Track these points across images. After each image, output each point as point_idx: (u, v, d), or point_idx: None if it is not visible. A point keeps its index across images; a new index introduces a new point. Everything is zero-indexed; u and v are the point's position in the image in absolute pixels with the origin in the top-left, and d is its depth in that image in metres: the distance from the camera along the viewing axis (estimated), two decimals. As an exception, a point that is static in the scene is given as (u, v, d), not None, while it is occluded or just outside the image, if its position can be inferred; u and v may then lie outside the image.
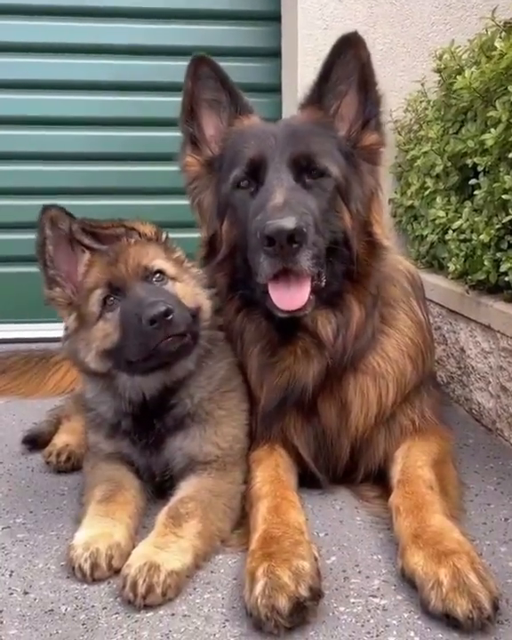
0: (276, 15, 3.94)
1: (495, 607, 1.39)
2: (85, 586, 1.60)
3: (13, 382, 3.08)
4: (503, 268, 2.24)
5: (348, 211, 1.95)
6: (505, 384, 2.33)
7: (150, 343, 1.69)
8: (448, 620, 1.40)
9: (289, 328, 1.94)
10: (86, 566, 1.59)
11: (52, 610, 1.52)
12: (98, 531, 1.66)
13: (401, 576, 1.57)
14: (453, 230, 2.58)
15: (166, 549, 1.56)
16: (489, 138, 2.23)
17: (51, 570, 1.68)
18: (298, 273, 1.77)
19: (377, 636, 1.41)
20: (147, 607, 1.49)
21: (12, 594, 1.58)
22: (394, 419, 2.05)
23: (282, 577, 1.42)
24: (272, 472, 1.91)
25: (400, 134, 3.41)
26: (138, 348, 1.71)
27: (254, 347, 2.01)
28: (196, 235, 2.18)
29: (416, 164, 3.07)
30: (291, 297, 1.80)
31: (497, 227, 2.26)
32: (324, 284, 1.90)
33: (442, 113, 2.92)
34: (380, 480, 2.02)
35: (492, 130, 2.23)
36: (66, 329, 1.87)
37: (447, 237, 2.62)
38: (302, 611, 1.41)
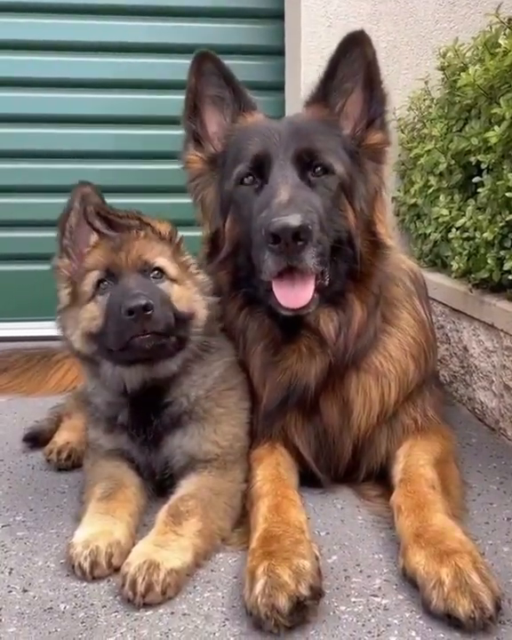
0: (279, 13, 3.93)
1: (497, 607, 1.38)
2: (85, 584, 1.59)
3: (15, 380, 3.07)
4: (506, 266, 2.23)
5: (352, 209, 1.94)
6: (508, 383, 2.32)
7: (125, 334, 1.69)
8: (450, 619, 1.39)
9: (291, 326, 1.93)
10: (86, 564, 1.58)
11: (51, 608, 1.51)
12: (98, 529, 1.66)
13: (402, 575, 1.57)
14: (457, 228, 2.57)
15: (166, 548, 1.56)
16: (493, 135, 2.22)
17: (50, 568, 1.68)
18: (302, 271, 1.77)
19: (378, 635, 1.40)
20: (146, 605, 1.48)
21: (11, 591, 1.58)
22: (396, 418, 2.04)
23: (282, 576, 1.41)
24: (273, 471, 1.90)
25: (403, 132, 3.40)
26: (115, 337, 1.71)
27: (257, 345, 2.00)
28: (197, 233, 2.17)
29: (419, 163, 3.06)
30: (295, 295, 1.79)
31: (500, 225, 2.25)
32: (327, 282, 1.90)
33: (445, 111, 2.91)
34: (382, 479, 2.01)
35: (496, 127, 2.21)
36: (59, 302, 1.91)
37: (450, 236, 2.61)
38: (302, 610, 1.40)
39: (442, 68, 3.02)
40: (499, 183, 2.21)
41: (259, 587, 1.40)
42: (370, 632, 1.41)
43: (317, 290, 1.84)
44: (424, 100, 3.28)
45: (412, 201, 3.23)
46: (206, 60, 2.06)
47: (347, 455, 2.01)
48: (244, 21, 3.99)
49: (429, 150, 2.90)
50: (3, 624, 1.45)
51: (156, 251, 1.85)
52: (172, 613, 1.48)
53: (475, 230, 2.43)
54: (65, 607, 1.51)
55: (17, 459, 2.36)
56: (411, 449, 1.96)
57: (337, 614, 1.47)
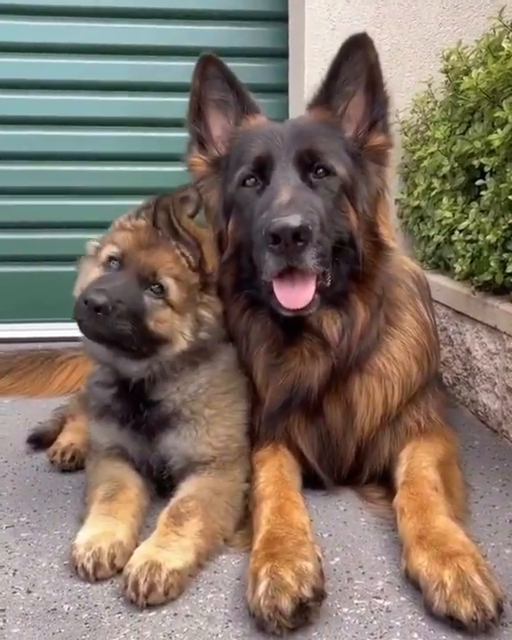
0: (283, 16, 3.94)
1: (499, 609, 1.38)
2: (88, 585, 1.60)
3: (19, 382, 3.08)
4: (510, 268, 2.23)
5: (354, 211, 1.94)
6: (511, 385, 2.32)
7: (76, 313, 1.71)
8: (452, 621, 1.39)
9: (294, 328, 1.94)
10: (89, 566, 1.59)
11: (54, 609, 1.52)
12: (100, 530, 1.66)
13: (405, 577, 1.57)
14: (460, 231, 2.57)
15: (168, 548, 1.56)
16: (496, 138, 2.22)
17: (54, 569, 1.68)
18: (303, 271, 1.77)
19: (380, 637, 1.40)
20: (149, 606, 1.49)
21: (15, 592, 1.58)
22: (399, 420, 2.04)
23: (285, 577, 1.41)
24: (276, 472, 1.91)
25: (407, 135, 3.40)
26: (73, 311, 1.73)
27: (260, 347, 2.00)
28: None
29: (423, 165, 3.07)
30: (295, 296, 1.79)
31: (503, 227, 2.25)
32: (329, 283, 1.90)
33: (449, 113, 2.92)
34: (385, 481, 2.02)
35: (499, 130, 2.22)
36: (87, 250, 1.96)
37: (453, 238, 2.61)
38: (305, 611, 1.40)
39: (445, 71, 3.03)
40: (502, 186, 2.21)
41: (261, 588, 1.41)
42: (372, 634, 1.41)
43: (319, 291, 1.85)
44: (427, 102, 3.28)
45: (416, 203, 3.23)
46: (210, 63, 2.07)
47: (350, 457, 2.02)
48: (248, 24, 4.00)
49: (432, 153, 2.90)
50: (7, 625, 1.46)
51: (173, 271, 1.83)
52: (176, 614, 1.48)
53: (478, 233, 2.43)
54: (69, 608, 1.52)
55: (21, 460, 2.36)
56: (414, 451, 1.97)
57: (339, 616, 1.47)
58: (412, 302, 2.13)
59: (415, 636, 1.40)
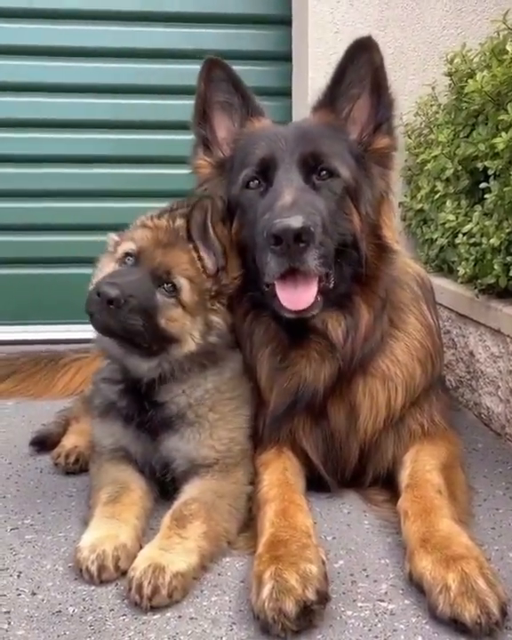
0: (286, 19, 3.94)
1: (503, 612, 1.38)
2: (93, 587, 1.60)
3: (22, 384, 3.09)
4: (513, 272, 2.23)
5: (357, 213, 1.95)
6: (514, 389, 2.32)
7: (88, 305, 1.72)
8: (456, 624, 1.39)
9: (299, 330, 1.94)
10: (93, 568, 1.59)
11: (59, 611, 1.52)
12: (104, 532, 1.67)
13: (409, 580, 1.57)
14: (463, 234, 2.57)
15: (171, 551, 1.57)
16: (500, 142, 2.22)
17: (58, 571, 1.68)
18: (305, 273, 1.78)
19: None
20: (153, 609, 1.49)
21: (19, 595, 1.59)
22: (403, 422, 2.05)
23: (289, 580, 1.42)
24: (280, 475, 1.91)
25: (410, 138, 3.41)
26: (86, 303, 1.74)
27: (264, 349, 2.01)
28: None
29: (426, 168, 3.07)
30: (297, 297, 1.80)
31: (507, 231, 2.25)
32: (332, 285, 1.90)
33: (452, 116, 2.92)
34: (389, 484, 2.02)
35: (503, 134, 2.22)
36: (107, 244, 1.99)
37: (457, 241, 2.61)
38: (309, 614, 1.40)
39: (449, 74, 3.02)
40: (505, 189, 2.21)
41: (266, 591, 1.41)
42: (376, 637, 1.41)
43: (321, 292, 1.85)
44: (431, 105, 3.29)
45: (419, 206, 3.23)
46: (215, 66, 2.09)
47: (353, 459, 2.02)
48: (252, 27, 4.01)
49: (436, 156, 2.90)
50: (12, 627, 1.46)
51: (188, 272, 1.84)
52: (180, 617, 1.49)
53: (481, 236, 2.43)
54: (73, 610, 1.52)
55: (25, 462, 2.37)
56: (417, 454, 1.97)
57: (343, 619, 1.47)
58: (415, 305, 2.13)
59: (419, 639, 1.41)
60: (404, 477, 1.90)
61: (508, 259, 2.28)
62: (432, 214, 3.08)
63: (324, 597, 1.43)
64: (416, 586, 1.54)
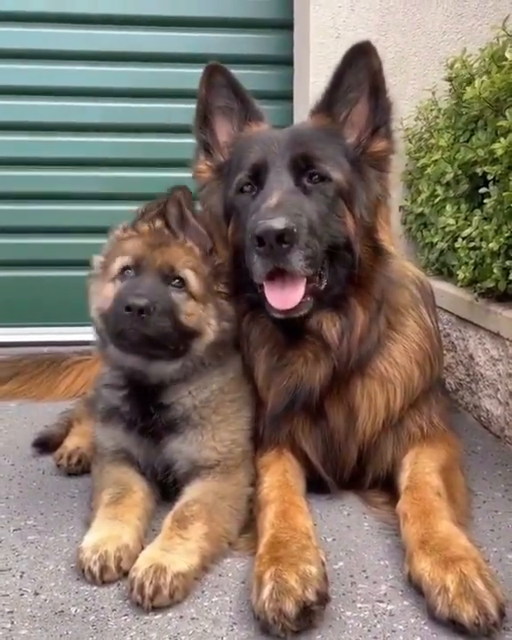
0: (288, 23, 3.96)
1: (501, 613, 1.39)
2: (95, 588, 1.61)
3: (24, 385, 3.10)
4: (512, 276, 2.25)
5: (351, 215, 1.95)
6: (513, 392, 2.33)
7: (119, 325, 1.75)
8: (454, 625, 1.40)
9: (295, 330, 1.96)
10: (95, 569, 1.60)
11: (62, 611, 1.53)
12: (106, 533, 1.68)
13: (408, 582, 1.58)
14: (463, 238, 2.58)
15: (172, 551, 1.58)
16: (499, 147, 2.23)
17: (61, 571, 1.70)
18: (291, 273, 1.80)
19: (383, 640, 1.42)
20: (155, 609, 1.50)
21: (22, 595, 1.60)
22: (402, 424, 2.06)
23: (289, 581, 1.43)
24: (280, 477, 1.92)
25: (411, 142, 3.42)
26: (112, 325, 1.78)
27: (261, 349, 2.02)
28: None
29: (426, 172, 3.08)
30: (284, 297, 1.82)
31: (506, 235, 2.27)
32: (323, 287, 1.92)
33: (452, 121, 2.93)
34: (388, 486, 2.03)
35: (502, 139, 2.23)
36: (93, 266, 1.98)
37: (457, 245, 2.62)
38: (309, 615, 1.42)
39: (449, 79, 3.04)
40: (505, 194, 2.22)
41: (266, 591, 1.42)
42: (375, 637, 1.43)
43: (312, 293, 1.88)
44: (431, 110, 3.30)
45: (419, 210, 3.24)
46: (216, 72, 2.11)
47: (352, 461, 2.03)
48: (254, 32, 4.03)
49: (436, 160, 2.91)
50: (15, 626, 1.48)
51: (188, 262, 1.88)
52: (181, 617, 1.50)
53: (481, 240, 2.45)
54: (76, 610, 1.53)
55: (27, 463, 2.39)
56: (417, 456, 1.98)
57: (343, 619, 1.49)
58: (414, 308, 2.14)
59: (418, 639, 1.42)
60: (403, 479, 1.92)
61: (508, 263, 2.30)
62: (432, 218, 3.09)
63: (323, 598, 1.44)
64: (415, 587, 1.55)
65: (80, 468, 2.25)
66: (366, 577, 1.66)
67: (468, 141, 2.71)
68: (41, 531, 1.91)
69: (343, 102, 2.03)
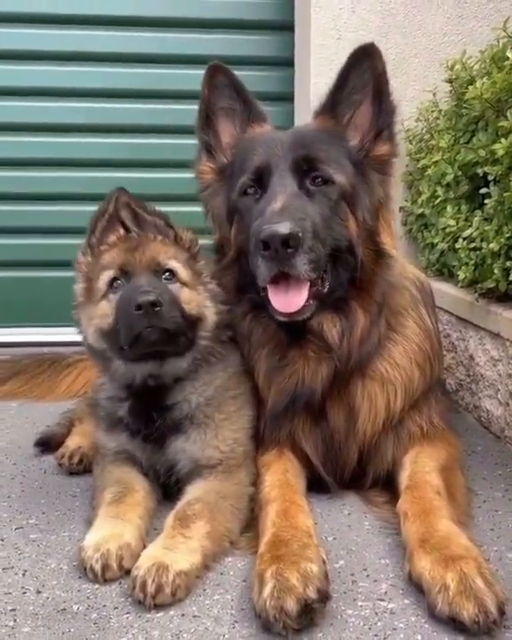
0: (289, 25, 3.97)
1: (501, 612, 1.40)
2: (97, 586, 1.62)
3: (26, 385, 3.11)
4: (513, 276, 2.25)
5: (353, 219, 1.96)
6: (513, 392, 2.34)
7: (134, 328, 1.74)
8: (454, 623, 1.41)
9: (296, 331, 1.96)
10: (97, 567, 1.61)
11: (64, 609, 1.54)
12: (108, 532, 1.69)
13: (408, 580, 1.59)
14: (463, 239, 2.59)
15: (175, 550, 1.59)
16: (499, 148, 2.24)
17: (63, 570, 1.71)
18: (295, 277, 1.80)
19: (384, 638, 1.42)
20: (157, 607, 1.51)
21: (25, 593, 1.61)
22: (402, 425, 2.07)
23: (290, 579, 1.44)
24: (281, 476, 1.93)
25: (411, 143, 3.43)
26: (125, 332, 1.77)
27: (262, 349, 2.03)
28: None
29: (427, 173, 3.09)
30: (288, 301, 1.83)
31: (507, 236, 2.27)
32: (326, 289, 1.93)
33: (453, 122, 2.94)
34: (389, 485, 2.04)
35: (503, 140, 2.24)
36: (74, 297, 1.96)
37: (457, 246, 2.63)
38: (310, 613, 1.42)
39: (449, 81, 3.05)
40: (505, 195, 2.23)
41: (267, 590, 1.43)
42: (376, 635, 1.43)
43: (315, 296, 1.89)
44: (432, 111, 3.31)
45: (420, 211, 3.25)
46: (218, 72, 2.11)
47: (352, 461, 2.04)
48: (255, 33, 4.03)
49: (437, 161, 2.92)
50: (18, 624, 1.49)
51: (170, 253, 1.90)
52: (183, 615, 1.51)
53: (481, 241, 2.45)
54: (78, 608, 1.54)
55: (29, 463, 2.39)
56: (417, 456, 1.99)
57: (344, 617, 1.49)
58: (414, 309, 2.15)
59: (418, 637, 1.42)
60: (403, 479, 1.93)
61: (508, 263, 2.30)
62: (433, 219, 3.10)
63: (324, 596, 1.45)
64: (415, 585, 1.56)
65: (82, 468, 2.25)
66: (367, 575, 1.66)
67: (468, 142, 2.71)
68: (43, 529, 1.92)
69: (347, 104, 2.04)
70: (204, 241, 2.14)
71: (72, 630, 1.46)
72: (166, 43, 4.00)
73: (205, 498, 1.78)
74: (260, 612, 1.43)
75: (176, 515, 1.72)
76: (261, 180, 1.96)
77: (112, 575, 1.63)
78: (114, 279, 1.86)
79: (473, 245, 2.54)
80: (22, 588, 1.63)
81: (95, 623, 1.49)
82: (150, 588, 1.50)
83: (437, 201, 2.95)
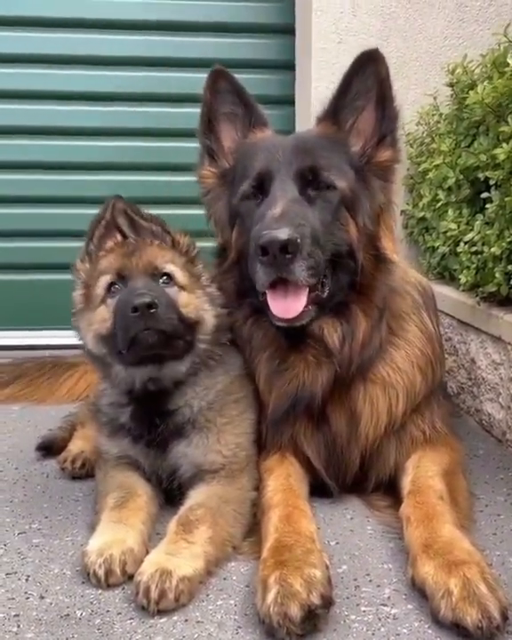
0: (290, 28, 3.98)
1: (504, 617, 1.39)
2: (100, 591, 1.62)
3: (27, 388, 3.12)
4: (514, 280, 2.26)
5: (354, 224, 1.96)
6: (515, 396, 2.34)
7: (131, 331, 1.74)
8: (458, 629, 1.41)
9: (297, 335, 1.97)
10: (101, 572, 1.61)
11: (67, 614, 1.54)
12: (111, 537, 1.69)
13: (411, 585, 1.59)
14: (465, 243, 2.59)
15: (178, 555, 1.59)
16: (500, 152, 2.25)
17: (66, 575, 1.71)
18: (294, 283, 1.81)
19: (387, 644, 1.43)
20: (160, 612, 1.51)
21: (28, 598, 1.61)
22: (404, 429, 2.07)
23: (294, 585, 1.44)
24: (283, 481, 1.93)
25: (412, 147, 3.44)
26: (122, 336, 1.76)
27: (263, 353, 2.03)
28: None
29: (428, 177, 3.10)
30: (287, 306, 1.83)
31: (508, 240, 2.28)
32: (326, 295, 1.93)
33: (454, 126, 2.94)
34: (391, 490, 2.04)
35: (504, 144, 2.24)
36: (73, 304, 1.97)
37: (458, 249, 2.63)
38: (314, 618, 1.42)
39: (450, 85, 3.05)
40: (507, 199, 2.24)
41: (271, 595, 1.43)
42: (379, 641, 1.44)
43: (314, 302, 1.89)
44: (433, 115, 3.32)
45: (421, 214, 3.26)
46: (221, 77, 2.11)
47: (354, 465, 2.04)
48: (256, 36, 4.04)
49: (438, 165, 2.93)
50: (21, 630, 1.48)
51: (167, 257, 1.91)
52: (186, 621, 1.51)
53: (483, 245, 2.46)
54: (81, 614, 1.54)
55: (31, 467, 2.39)
56: (419, 460, 1.99)
57: (347, 623, 1.49)
58: (416, 313, 2.15)
59: (422, 643, 1.43)
60: (406, 483, 1.93)
61: (509, 267, 2.31)
62: (434, 222, 3.11)
63: (328, 602, 1.45)
64: (418, 591, 1.56)
65: (84, 472, 2.25)
66: (370, 580, 1.66)
67: (469, 146, 2.72)
68: (46, 534, 1.92)
69: (350, 109, 2.04)
70: (206, 244, 2.16)
71: (75, 636, 1.46)
72: (168, 46, 4.01)
73: (208, 503, 1.78)
74: (264, 618, 1.43)
75: (179, 520, 1.72)
76: (262, 185, 1.96)
77: (115, 580, 1.62)
78: (111, 284, 1.86)
79: (474, 249, 2.54)
80: (25, 593, 1.63)
81: (98, 629, 1.49)
82: (154, 594, 1.50)
83: (439, 204, 2.96)
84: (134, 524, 1.75)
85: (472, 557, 1.53)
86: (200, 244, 2.05)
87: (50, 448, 2.45)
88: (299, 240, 1.75)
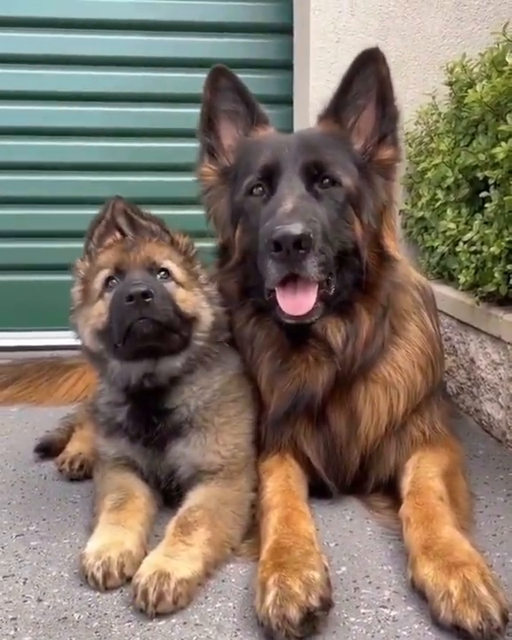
0: (288, 28, 3.98)
1: (505, 619, 1.39)
2: (98, 594, 1.61)
3: (26, 389, 3.11)
4: (513, 280, 2.25)
5: (359, 221, 1.96)
6: (515, 396, 2.34)
7: (126, 321, 1.74)
8: (458, 631, 1.40)
9: (299, 335, 1.96)
10: (99, 575, 1.60)
11: (65, 617, 1.53)
12: (109, 539, 1.68)
13: (411, 587, 1.58)
14: (464, 242, 2.59)
15: (176, 558, 1.58)
16: (500, 152, 2.24)
17: (64, 577, 1.70)
18: (305, 279, 1.80)
19: (387, 646, 1.42)
20: (159, 615, 1.50)
21: (25, 601, 1.60)
22: (404, 430, 2.06)
23: (293, 587, 1.43)
24: (283, 482, 1.92)
25: (411, 146, 3.43)
26: (117, 327, 1.76)
27: (265, 353, 2.03)
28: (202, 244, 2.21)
29: (427, 176, 3.09)
30: (297, 303, 1.82)
31: (507, 239, 2.27)
32: (332, 292, 1.93)
33: (453, 126, 2.94)
34: (391, 491, 2.03)
35: (503, 143, 2.24)
36: (71, 302, 1.98)
37: (458, 249, 2.63)
38: (313, 620, 1.42)
39: (449, 84, 3.04)
40: (506, 199, 2.23)
41: (270, 598, 1.42)
42: (379, 643, 1.43)
43: (322, 299, 1.88)
44: (431, 114, 3.31)
45: (420, 214, 3.25)
46: (221, 75, 2.11)
47: (354, 466, 2.03)
48: (254, 36, 4.04)
49: (437, 164, 2.92)
50: (18, 633, 1.47)
51: (165, 254, 1.91)
52: (185, 623, 1.50)
53: (482, 244, 2.45)
54: (79, 617, 1.53)
55: (29, 468, 2.39)
56: (419, 461, 1.98)
57: (347, 625, 1.48)
58: (417, 313, 2.15)
59: (422, 645, 1.42)
60: (405, 484, 1.92)
61: (509, 267, 2.30)
62: (433, 222, 3.10)
63: (327, 604, 1.44)
64: (418, 592, 1.55)
65: (82, 474, 2.24)
66: (369, 582, 1.65)
67: (468, 145, 2.71)
68: (43, 536, 1.91)
69: (351, 108, 2.04)
70: (205, 244, 2.15)
71: (73, 639, 1.46)
72: (166, 46, 4.01)
73: (206, 504, 1.78)
74: (263, 621, 1.42)
75: (177, 522, 1.71)
76: (269, 179, 1.96)
77: (113, 583, 1.62)
78: (109, 278, 1.86)
79: (473, 249, 2.54)
80: (23, 596, 1.62)
81: (97, 632, 1.48)
82: (152, 596, 1.49)
83: (437, 204, 2.95)
84: (132, 525, 1.75)
85: (472, 559, 1.52)
86: (199, 244, 2.05)
87: (48, 449, 2.44)
88: (312, 235, 1.74)
